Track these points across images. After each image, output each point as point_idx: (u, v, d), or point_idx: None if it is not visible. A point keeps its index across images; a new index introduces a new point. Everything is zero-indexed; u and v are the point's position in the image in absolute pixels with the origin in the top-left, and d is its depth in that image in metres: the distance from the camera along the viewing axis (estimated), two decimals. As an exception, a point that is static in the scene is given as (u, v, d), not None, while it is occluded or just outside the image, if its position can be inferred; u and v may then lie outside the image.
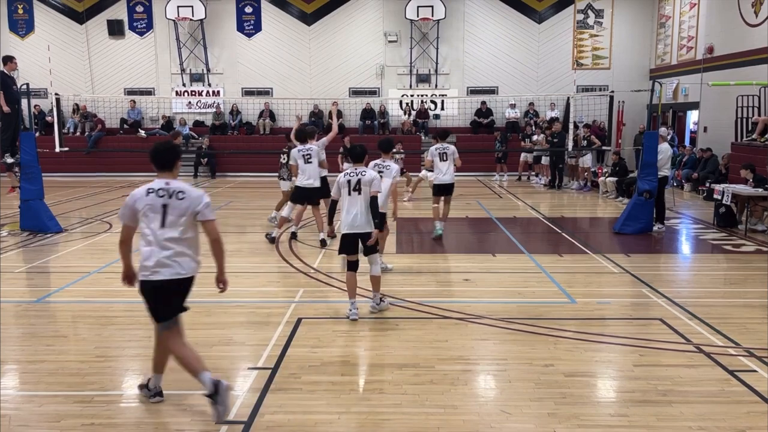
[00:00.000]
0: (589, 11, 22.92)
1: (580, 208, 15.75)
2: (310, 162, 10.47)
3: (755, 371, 5.45)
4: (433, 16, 22.33)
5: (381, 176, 8.33)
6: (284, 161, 12.79)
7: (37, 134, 17.41)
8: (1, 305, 7.13)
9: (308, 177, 10.43)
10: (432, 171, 11.08)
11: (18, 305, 7.31)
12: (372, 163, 8.67)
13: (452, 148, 10.64)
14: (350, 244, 6.75)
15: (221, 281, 4.79)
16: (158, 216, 4.47)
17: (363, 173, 6.72)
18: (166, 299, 4.56)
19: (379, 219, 6.83)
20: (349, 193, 6.70)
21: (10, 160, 12.18)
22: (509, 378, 5.33)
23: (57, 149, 15.95)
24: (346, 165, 13.57)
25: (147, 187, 4.53)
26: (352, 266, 6.81)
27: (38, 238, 11.11)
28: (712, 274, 9.22)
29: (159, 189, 4.51)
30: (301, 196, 10.59)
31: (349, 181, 6.71)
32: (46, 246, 10.61)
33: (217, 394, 4.39)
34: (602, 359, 5.80)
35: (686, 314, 6.93)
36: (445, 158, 10.53)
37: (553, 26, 23.22)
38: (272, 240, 10.62)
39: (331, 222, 7.49)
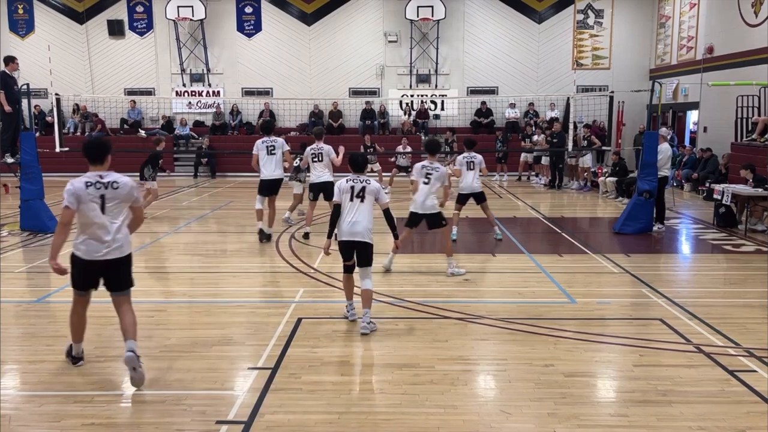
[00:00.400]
0: (589, 11, 22.91)
1: (580, 208, 15.75)
2: (274, 153, 10.58)
3: (755, 371, 5.46)
4: (433, 16, 22.31)
5: (429, 178, 8.63)
6: (296, 164, 12.81)
7: (37, 134, 17.42)
8: (1, 305, 7.14)
9: (272, 169, 10.56)
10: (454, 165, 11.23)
11: (18, 305, 7.32)
12: (419, 165, 8.86)
13: (479, 157, 10.80)
14: (347, 251, 6.61)
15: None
16: (98, 206, 5.09)
17: (367, 182, 6.57)
18: (117, 274, 5.30)
19: (396, 229, 6.86)
20: (351, 200, 6.53)
21: (10, 160, 12.18)
22: (509, 378, 5.33)
23: (57, 149, 15.98)
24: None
25: (85, 180, 5.09)
26: (349, 269, 6.74)
27: (38, 238, 11.12)
28: (712, 274, 9.22)
29: (96, 182, 5.10)
30: (267, 188, 10.69)
31: (352, 188, 6.54)
32: (46, 246, 10.60)
33: (80, 360, 5.55)
34: (602, 359, 5.80)
35: (686, 314, 6.93)
36: (472, 167, 10.69)
37: (553, 26, 23.21)
38: (268, 238, 10.62)
39: (331, 234, 6.68)
